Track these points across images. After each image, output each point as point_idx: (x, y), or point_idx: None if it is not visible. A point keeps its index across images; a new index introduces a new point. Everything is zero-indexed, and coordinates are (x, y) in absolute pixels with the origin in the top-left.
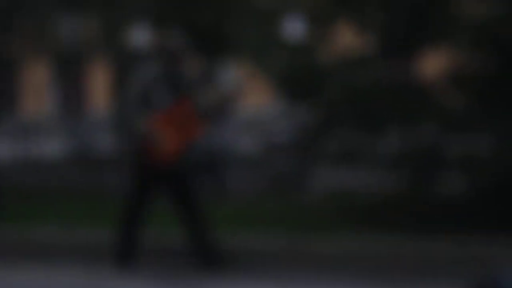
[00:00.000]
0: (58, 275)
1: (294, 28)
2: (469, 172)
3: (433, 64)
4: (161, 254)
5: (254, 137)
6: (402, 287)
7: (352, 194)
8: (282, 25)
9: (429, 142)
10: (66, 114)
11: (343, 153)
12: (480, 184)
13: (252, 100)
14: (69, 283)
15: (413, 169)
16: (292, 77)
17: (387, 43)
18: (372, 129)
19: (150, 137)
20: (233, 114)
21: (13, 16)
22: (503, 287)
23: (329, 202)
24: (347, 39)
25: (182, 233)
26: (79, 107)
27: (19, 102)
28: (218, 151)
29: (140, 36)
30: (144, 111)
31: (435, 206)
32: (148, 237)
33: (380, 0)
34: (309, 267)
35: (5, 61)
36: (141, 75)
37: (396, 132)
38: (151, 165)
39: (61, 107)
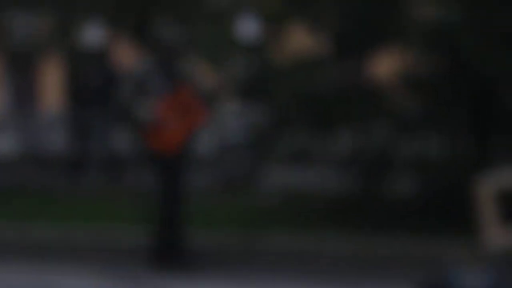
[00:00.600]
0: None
1: (248, 28)
2: (420, 173)
3: (386, 65)
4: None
5: (207, 137)
6: (354, 285)
7: (305, 194)
8: (236, 25)
9: (381, 144)
10: (19, 111)
11: (296, 153)
12: (431, 184)
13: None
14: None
15: (364, 170)
16: (245, 78)
17: (340, 45)
18: (324, 130)
19: (153, 125)
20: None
21: None
22: (451, 286)
23: (282, 201)
24: (300, 40)
25: (151, 226)
26: (32, 105)
27: None
28: None
29: (92, 34)
30: (142, 100)
31: (386, 206)
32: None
33: (333, 2)
34: (263, 266)
35: None
36: (137, 66)
37: (348, 133)
38: (157, 154)
39: (14, 105)
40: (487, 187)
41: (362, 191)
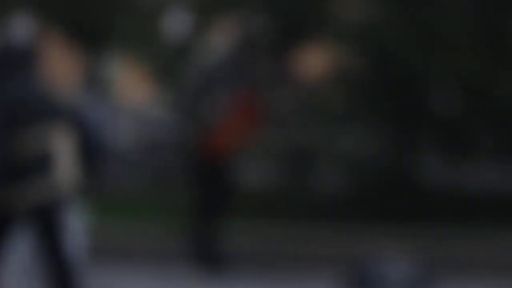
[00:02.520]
0: None
1: (177, 22)
2: (347, 167)
3: (313, 61)
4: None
5: (135, 133)
6: (284, 281)
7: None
8: (164, 19)
9: (307, 138)
10: None
11: None
12: (357, 178)
13: (134, 95)
14: None
15: (290, 164)
16: (173, 72)
17: (267, 40)
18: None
19: (215, 127)
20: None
21: None
22: (375, 278)
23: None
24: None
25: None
26: None
27: None
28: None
29: (20, 28)
30: (208, 101)
31: (316, 201)
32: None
33: None
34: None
35: None
36: (205, 62)
37: (280, 129)
38: (210, 158)
39: None
40: None
41: (294, 186)
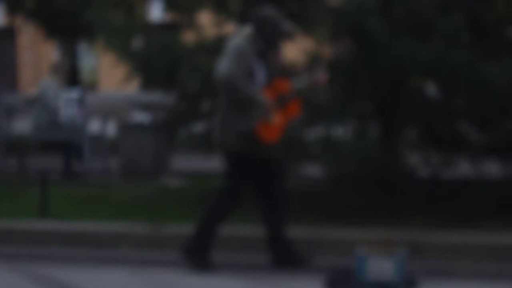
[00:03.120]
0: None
1: (154, 10)
2: (328, 157)
3: (295, 49)
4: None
5: (112, 121)
6: (260, 277)
7: (213, 179)
8: (142, 6)
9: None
10: None
11: (199, 139)
12: (339, 172)
13: (111, 83)
14: None
15: None
16: (149, 60)
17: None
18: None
19: (268, 114)
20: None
21: None
22: (357, 272)
23: (187, 186)
24: (209, 24)
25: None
26: None
27: None
28: (77, 133)
29: None
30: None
31: (295, 193)
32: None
33: None
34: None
35: None
36: (244, 51)
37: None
38: (256, 149)
39: None
40: None
41: None
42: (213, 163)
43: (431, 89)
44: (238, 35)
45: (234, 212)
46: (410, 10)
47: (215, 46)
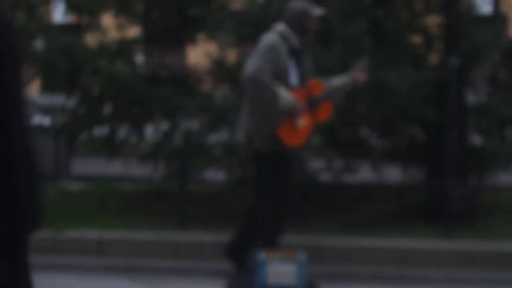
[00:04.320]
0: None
1: (57, 11)
2: (230, 164)
3: (199, 54)
4: None
5: None
6: (162, 279)
7: (114, 183)
8: (44, 8)
9: (190, 133)
10: None
11: (101, 142)
12: (240, 176)
13: None
14: None
15: (172, 160)
16: (50, 62)
17: (151, 33)
18: (134, 119)
19: (294, 115)
20: None
21: None
22: (259, 276)
23: (88, 190)
24: (112, 27)
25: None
26: None
27: None
28: None
29: None
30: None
31: (196, 196)
32: None
33: None
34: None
35: None
36: (277, 48)
37: (159, 123)
38: (282, 150)
39: None
40: None
41: (172, 181)
42: (115, 167)
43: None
44: (270, 33)
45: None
46: None
47: (118, 49)
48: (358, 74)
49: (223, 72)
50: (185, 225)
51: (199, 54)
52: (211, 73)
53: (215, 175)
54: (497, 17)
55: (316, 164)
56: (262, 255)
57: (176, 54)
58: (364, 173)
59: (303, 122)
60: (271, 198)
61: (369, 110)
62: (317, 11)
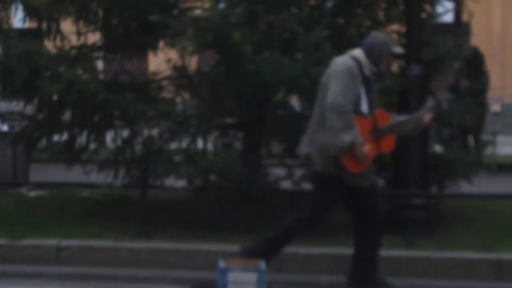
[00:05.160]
0: None
1: (16, 17)
2: (191, 171)
3: (160, 61)
4: None
5: None
6: (122, 287)
7: (74, 191)
8: (3, 13)
9: (151, 140)
10: None
11: (64, 149)
12: (201, 184)
13: None
14: None
15: (132, 167)
16: (9, 68)
17: (111, 40)
18: (94, 126)
19: (358, 150)
20: None
21: None
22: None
23: (47, 197)
24: (72, 33)
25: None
26: None
27: None
28: None
29: None
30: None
31: (154, 204)
32: None
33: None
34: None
35: None
36: (356, 74)
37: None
38: (342, 175)
39: None
40: None
41: (132, 189)
42: (74, 174)
43: (295, 103)
44: (346, 57)
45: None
46: (274, 24)
47: (78, 55)
48: (425, 114)
49: (184, 79)
50: (145, 232)
51: (160, 60)
52: (172, 80)
53: (176, 182)
54: (458, 26)
55: (277, 172)
56: (224, 263)
57: (137, 61)
58: None
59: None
60: (310, 210)
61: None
62: (397, 49)
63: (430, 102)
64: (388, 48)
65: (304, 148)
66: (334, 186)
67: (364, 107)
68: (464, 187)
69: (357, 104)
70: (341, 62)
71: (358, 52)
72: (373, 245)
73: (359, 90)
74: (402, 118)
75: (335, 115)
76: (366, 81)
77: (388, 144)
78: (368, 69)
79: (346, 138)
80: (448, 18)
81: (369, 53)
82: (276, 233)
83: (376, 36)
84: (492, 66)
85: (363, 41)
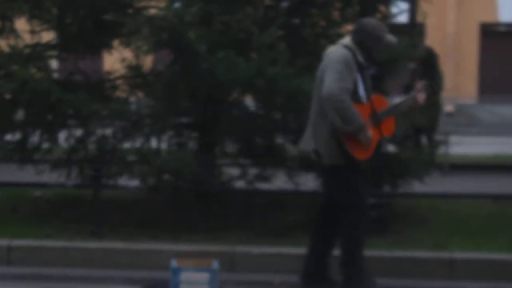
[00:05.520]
0: None
1: None
2: (144, 171)
3: (115, 60)
4: None
5: None
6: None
7: (26, 190)
8: None
9: (104, 139)
10: None
11: (17, 149)
12: (155, 183)
13: None
14: None
15: (85, 167)
16: None
17: (66, 39)
18: (47, 125)
19: (362, 135)
20: None
21: None
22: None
23: (1, 197)
24: (26, 32)
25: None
26: None
27: None
28: None
29: None
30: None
31: (107, 204)
32: None
33: None
34: None
35: None
36: (351, 62)
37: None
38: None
39: None
40: None
41: (83, 188)
42: (27, 174)
43: (250, 102)
44: (338, 48)
45: None
46: (229, 24)
47: (31, 54)
48: (419, 95)
49: (139, 78)
50: (98, 232)
51: (115, 60)
52: (127, 79)
53: (129, 182)
54: (413, 26)
55: (230, 171)
56: (176, 263)
57: (91, 60)
58: (279, 181)
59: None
60: (348, 206)
61: (284, 117)
62: (391, 38)
63: (420, 83)
64: (382, 39)
65: (307, 144)
66: (347, 174)
67: (362, 93)
68: (417, 187)
69: (355, 92)
70: (335, 52)
71: (347, 41)
72: (330, 242)
73: (356, 77)
74: (397, 101)
75: (333, 103)
76: (361, 68)
77: (389, 128)
78: (361, 56)
79: (356, 120)
80: (403, 18)
81: (361, 42)
82: (344, 247)
83: (369, 25)
84: (446, 67)
85: (355, 28)
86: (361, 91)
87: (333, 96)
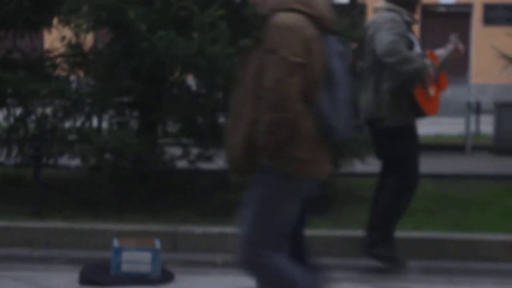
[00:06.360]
0: None
1: None
2: (84, 150)
3: (54, 38)
4: None
5: None
6: (15, 267)
7: None
8: None
9: (44, 120)
10: None
11: None
12: (96, 163)
13: None
14: None
15: (25, 146)
16: None
17: (3, 16)
18: None
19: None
20: None
21: None
22: (109, 269)
23: None
24: None
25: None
26: None
27: None
28: None
29: None
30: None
31: (48, 184)
32: None
33: None
34: None
35: None
36: (399, 21)
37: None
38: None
39: None
40: None
41: (24, 167)
42: None
43: (192, 82)
44: (382, 12)
45: None
46: (170, 3)
47: None
48: (458, 45)
49: (79, 56)
50: (39, 212)
51: (54, 38)
52: (67, 58)
53: (70, 161)
54: (354, 6)
55: (172, 151)
56: (118, 242)
57: (30, 38)
58: (222, 161)
59: (432, 91)
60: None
61: (226, 97)
62: None
63: (452, 36)
64: None
65: (367, 112)
66: (407, 137)
67: (418, 50)
68: (358, 166)
69: (411, 50)
70: (381, 16)
71: (386, 4)
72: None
73: (410, 37)
74: (443, 55)
75: (392, 60)
76: (409, 26)
77: (445, 82)
78: (407, 15)
79: (418, 61)
80: None
81: (402, 1)
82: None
83: None
84: None
85: None
86: (418, 49)
87: (391, 48)
